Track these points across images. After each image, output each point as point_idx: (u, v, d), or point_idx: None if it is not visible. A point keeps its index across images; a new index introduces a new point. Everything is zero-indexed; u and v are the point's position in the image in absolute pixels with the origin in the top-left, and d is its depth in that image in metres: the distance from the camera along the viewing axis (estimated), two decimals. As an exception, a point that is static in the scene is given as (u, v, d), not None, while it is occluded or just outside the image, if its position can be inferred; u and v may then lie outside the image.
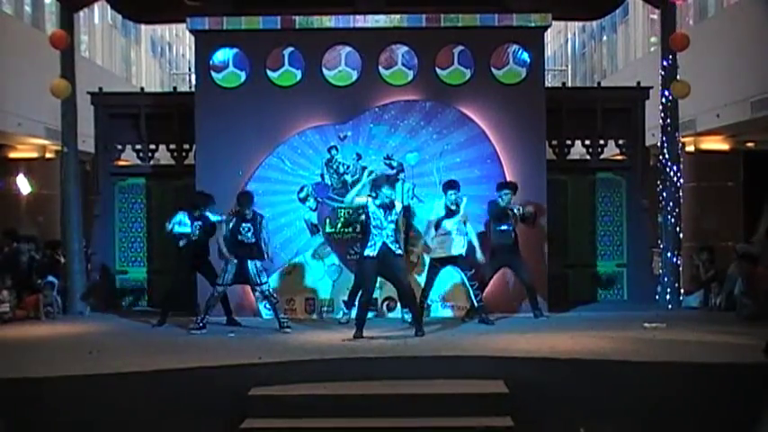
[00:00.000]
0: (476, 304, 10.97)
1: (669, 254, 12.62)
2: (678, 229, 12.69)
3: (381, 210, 9.93)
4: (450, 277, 11.49)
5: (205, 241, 11.15)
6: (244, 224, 10.63)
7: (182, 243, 11.13)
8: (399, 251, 10.11)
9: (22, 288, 12.33)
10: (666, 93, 12.56)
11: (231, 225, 10.67)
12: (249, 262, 10.59)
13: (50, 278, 12.49)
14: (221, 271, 10.70)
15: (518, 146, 12.08)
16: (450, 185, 10.93)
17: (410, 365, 8.29)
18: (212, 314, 10.89)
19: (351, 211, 11.79)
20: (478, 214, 11.67)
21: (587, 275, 13.46)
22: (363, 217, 10.29)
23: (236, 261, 10.57)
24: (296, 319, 11.51)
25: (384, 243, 9.87)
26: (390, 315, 11.74)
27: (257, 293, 11.30)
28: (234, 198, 11.16)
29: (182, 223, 11.05)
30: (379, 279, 10.43)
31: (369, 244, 9.92)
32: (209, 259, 11.25)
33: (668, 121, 12.68)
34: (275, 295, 10.93)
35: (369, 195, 10.14)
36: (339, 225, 12.06)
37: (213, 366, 8.24)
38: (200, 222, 11.03)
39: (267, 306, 11.48)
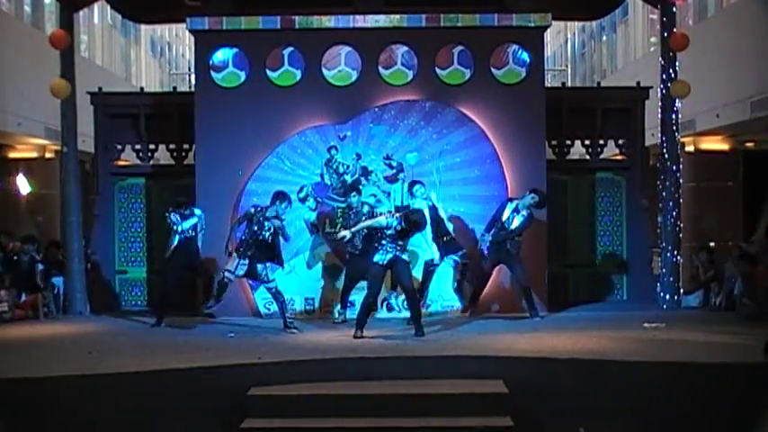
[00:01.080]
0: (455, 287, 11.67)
1: (669, 254, 12.62)
2: (678, 229, 12.70)
3: (402, 233, 9.84)
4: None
5: (195, 238, 11.17)
6: (267, 222, 10.53)
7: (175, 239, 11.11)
8: (408, 259, 10.18)
9: (23, 288, 12.32)
10: (666, 93, 12.56)
11: (256, 223, 10.52)
12: (258, 263, 10.53)
13: (55, 279, 12.48)
14: (232, 260, 10.57)
15: (518, 146, 12.07)
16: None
17: (410, 365, 8.28)
18: (215, 314, 10.98)
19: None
20: (478, 214, 11.71)
21: (587, 275, 13.46)
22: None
23: (247, 261, 10.53)
24: (295, 318, 11.49)
25: (395, 254, 9.87)
26: (390, 315, 11.74)
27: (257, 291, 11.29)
28: (233, 197, 11.62)
29: (176, 222, 11.06)
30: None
31: (379, 250, 9.88)
32: (200, 257, 11.26)
33: (668, 121, 12.68)
34: (283, 294, 10.86)
35: (395, 214, 10.10)
36: (339, 225, 12.04)
37: (213, 366, 8.23)
38: (189, 219, 11.06)
39: (266, 305, 11.46)
